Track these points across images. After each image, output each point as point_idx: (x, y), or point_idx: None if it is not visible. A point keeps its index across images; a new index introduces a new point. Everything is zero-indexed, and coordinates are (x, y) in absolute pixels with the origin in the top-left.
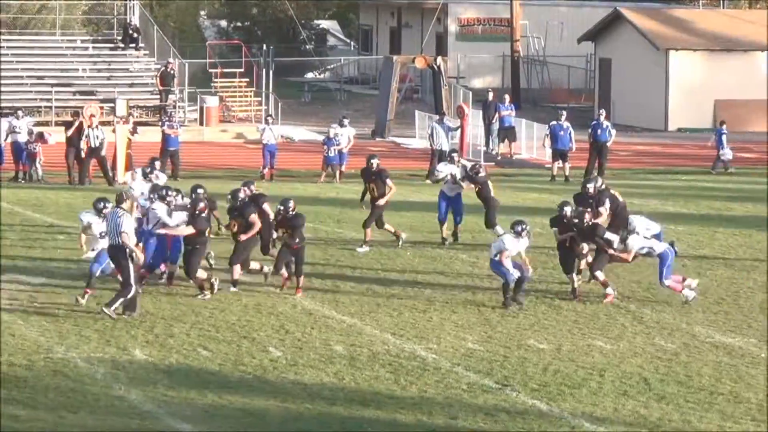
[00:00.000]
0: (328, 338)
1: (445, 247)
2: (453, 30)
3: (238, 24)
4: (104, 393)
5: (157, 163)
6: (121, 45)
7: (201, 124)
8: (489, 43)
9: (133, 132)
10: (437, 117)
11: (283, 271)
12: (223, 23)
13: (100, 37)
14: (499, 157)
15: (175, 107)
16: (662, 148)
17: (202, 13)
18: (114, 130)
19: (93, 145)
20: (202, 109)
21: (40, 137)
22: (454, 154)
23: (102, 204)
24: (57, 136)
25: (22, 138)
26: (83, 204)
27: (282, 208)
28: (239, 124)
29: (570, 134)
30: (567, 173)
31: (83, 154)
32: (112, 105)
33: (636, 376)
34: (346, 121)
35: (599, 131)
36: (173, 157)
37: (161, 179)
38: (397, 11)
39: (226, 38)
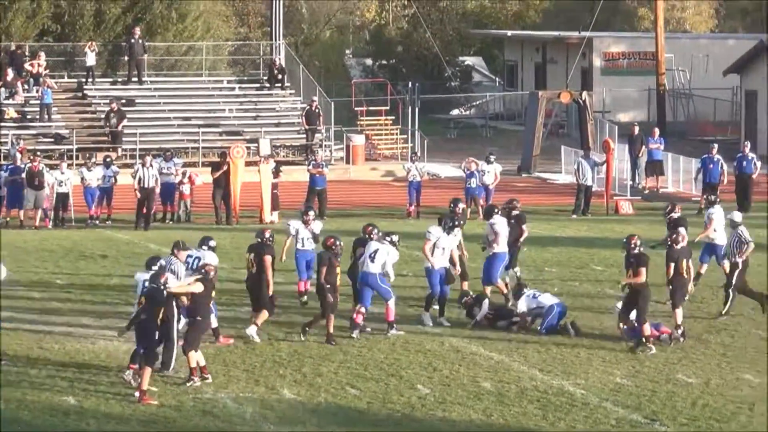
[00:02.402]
0: (475, 375)
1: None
2: (598, 64)
3: (383, 62)
4: None
5: (312, 212)
6: (267, 85)
7: (347, 162)
8: (634, 76)
9: (276, 174)
10: (583, 152)
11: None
12: (368, 61)
13: (246, 78)
14: (646, 191)
15: (321, 146)
16: None
17: (348, 51)
18: (259, 170)
19: None
20: (348, 147)
21: (189, 178)
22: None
23: (154, 262)
24: (203, 176)
25: (172, 179)
26: (229, 244)
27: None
28: (385, 162)
29: (722, 167)
30: None
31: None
32: (257, 145)
33: None
34: (492, 158)
35: (744, 163)
36: (320, 197)
37: (317, 226)
38: (542, 46)
39: (371, 76)
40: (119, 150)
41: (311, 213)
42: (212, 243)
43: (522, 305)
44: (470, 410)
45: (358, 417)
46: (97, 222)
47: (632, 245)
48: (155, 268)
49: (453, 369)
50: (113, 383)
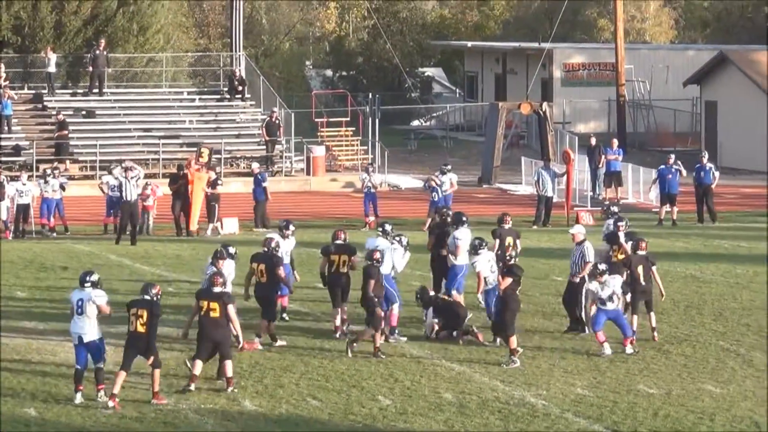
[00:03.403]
0: (437, 386)
1: (552, 294)
2: (558, 75)
3: (344, 73)
4: None
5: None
6: (227, 96)
7: (308, 173)
8: (594, 87)
9: (214, 185)
10: (543, 163)
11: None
12: (329, 73)
13: (206, 89)
14: (606, 202)
15: (281, 157)
16: None
17: (308, 63)
18: (192, 177)
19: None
20: (308, 158)
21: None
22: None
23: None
24: (164, 188)
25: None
26: (191, 255)
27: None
28: (346, 173)
29: (677, 177)
30: (674, 217)
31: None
32: (218, 156)
33: (747, 419)
34: (447, 168)
35: (702, 174)
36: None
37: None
38: (502, 57)
39: (332, 87)
40: (67, 162)
41: (291, 227)
42: (231, 250)
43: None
44: (432, 421)
45: (320, 428)
46: (54, 234)
47: None
48: (90, 282)
49: (414, 380)
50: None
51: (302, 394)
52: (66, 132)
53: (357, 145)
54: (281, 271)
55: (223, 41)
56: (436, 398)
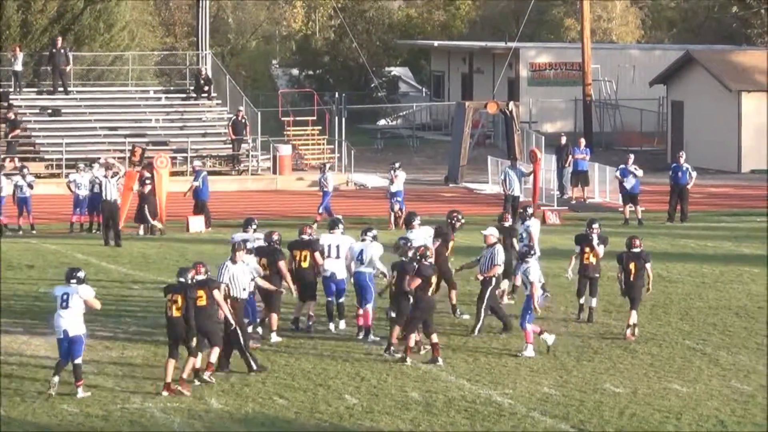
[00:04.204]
0: (403, 384)
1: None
2: (525, 75)
3: (310, 72)
4: None
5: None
6: (194, 95)
7: (274, 172)
8: (561, 87)
9: (143, 184)
10: (510, 162)
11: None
12: (295, 71)
13: (172, 88)
14: (573, 201)
15: (247, 156)
16: (735, 190)
17: (274, 62)
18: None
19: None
20: (275, 157)
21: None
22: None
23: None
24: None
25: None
26: (156, 253)
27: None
28: (312, 172)
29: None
30: (640, 216)
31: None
32: (185, 155)
33: (713, 418)
34: (396, 165)
35: (680, 174)
36: (202, 209)
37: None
38: (469, 57)
39: (298, 86)
40: (16, 159)
41: (254, 224)
42: (250, 244)
43: None
44: (398, 420)
45: (286, 427)
46: (21, 232)
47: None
48: (76, 277)
49: (381, 378)
50: (41, 392)
51: (268, 392)
52: (17, 131)
53: (323, 144)
54: (282, 265)
55: (189, 40)
56: (403, 397)
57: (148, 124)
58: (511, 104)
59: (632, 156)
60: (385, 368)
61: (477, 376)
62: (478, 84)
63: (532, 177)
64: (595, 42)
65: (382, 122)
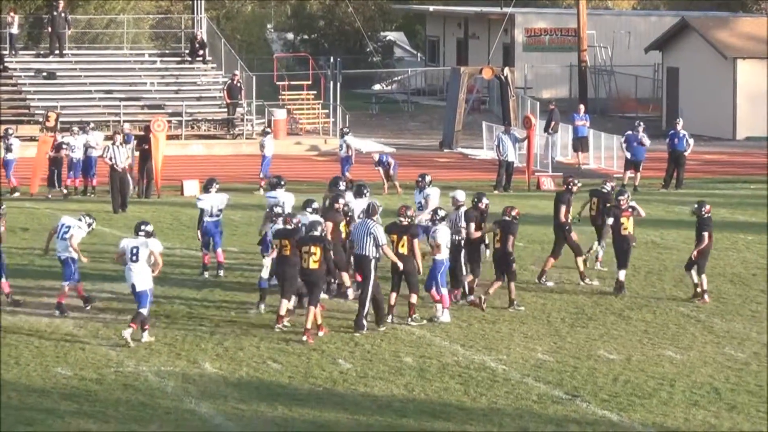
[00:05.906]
0: (397, 350)
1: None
2: (520, 40)
3: (305, 36)
4: (174, 406)
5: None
6: (189, 59)
7: None
8: (556, 53)
9: (55, 147)
10: (504, 128)
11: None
12: (290, 36)
13: (167, 51)
14: (576, 166)
15: (242, 120)
16: (730, 157)
17: (269, 26)
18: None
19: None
20: (269, 121)
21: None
22: None
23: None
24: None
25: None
26: (151, 218)
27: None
28: (307, 137)
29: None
30: (637, 183)
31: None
32: (180, 119)
33: (706, 385)
34: (345, 130)
35: (677, 140)
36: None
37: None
38: (464, 22)
39: (293, 51)
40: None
41: (216, 184)
42: (315, 205)
43: None
44: (392, 385)
45: (280, 391)
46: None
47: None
48: (144, 231)
49: (374, 344)
50: (35, 355)
51: (262, 357)
52: None
53: (318, 108)
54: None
55: (184, 3)
56: (397, 362)
57: (143, 87)
58: (506, 70)
59: (642, 124)
60: (379, 334)
61: (471, 342)
62: (474, 49)
63: (526, 143)
64: (590, 8)
65: (377, 87)
